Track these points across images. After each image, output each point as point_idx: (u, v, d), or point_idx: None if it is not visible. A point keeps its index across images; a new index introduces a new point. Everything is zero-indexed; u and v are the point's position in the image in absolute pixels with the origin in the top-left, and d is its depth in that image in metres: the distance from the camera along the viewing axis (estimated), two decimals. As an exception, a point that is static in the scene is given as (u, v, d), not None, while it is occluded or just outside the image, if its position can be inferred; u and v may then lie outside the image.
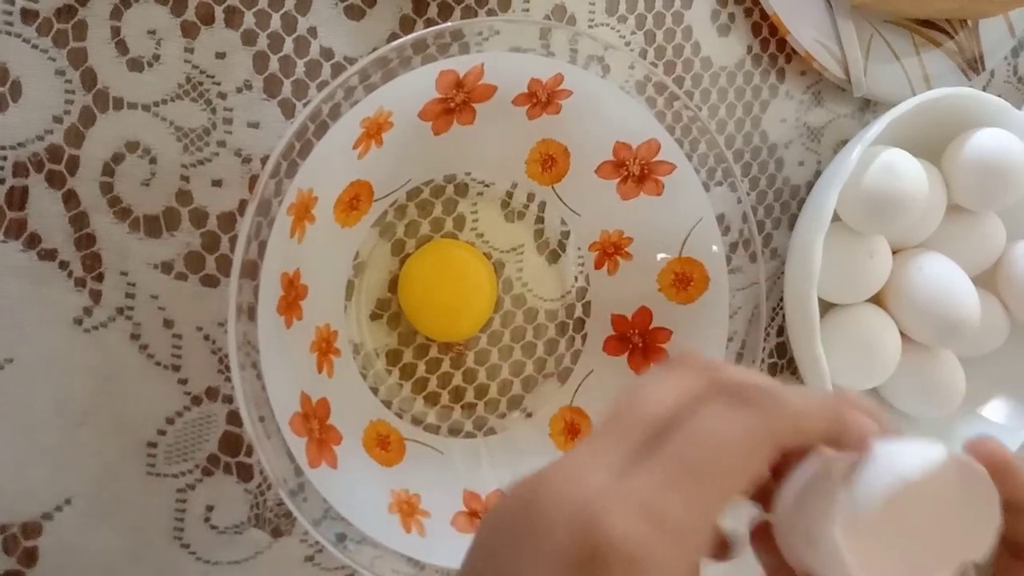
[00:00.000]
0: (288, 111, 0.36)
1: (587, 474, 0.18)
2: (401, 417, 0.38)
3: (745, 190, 0.40)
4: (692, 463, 0.17)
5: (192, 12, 0.34)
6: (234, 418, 0.36)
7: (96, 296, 0.34)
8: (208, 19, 0.35)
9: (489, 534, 0.20)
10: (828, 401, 0.20)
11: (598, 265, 0.41)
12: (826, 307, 0.42)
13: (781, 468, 0.21)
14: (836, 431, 0.19)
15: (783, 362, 0.46)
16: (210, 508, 0.36)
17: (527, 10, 0.39)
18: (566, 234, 0.41)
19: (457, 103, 0.35)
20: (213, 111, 0.35)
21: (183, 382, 0.35)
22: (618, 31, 0.41)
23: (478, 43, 0.33)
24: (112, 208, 0.34)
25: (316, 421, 0.34)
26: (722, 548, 0.22)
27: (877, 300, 0.43)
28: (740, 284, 0.38)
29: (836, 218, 0.41)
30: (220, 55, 0.35)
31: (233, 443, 0.36)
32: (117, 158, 0.34)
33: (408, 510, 0.35)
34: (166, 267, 0.35)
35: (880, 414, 0.20)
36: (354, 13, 0.36)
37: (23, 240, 0.33)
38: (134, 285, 0.34)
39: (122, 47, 0.34)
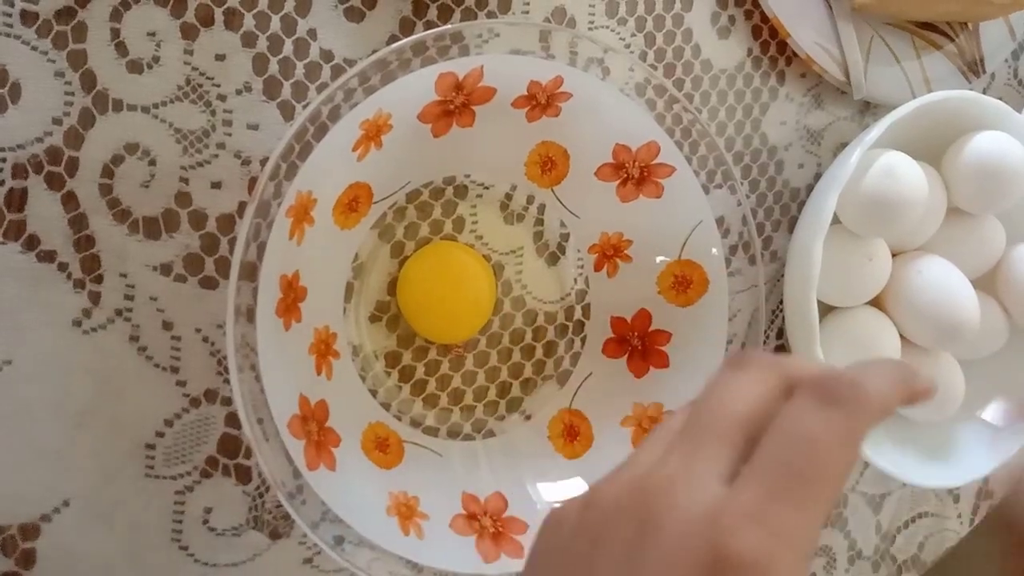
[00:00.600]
0: (287, 113, 0.36)
1: (701, 485, 0.17)
2: (400, 419, 0.38)
3: (745, 193, 0.40)
4: (798, 470, 0.17)
5: (192, 14, 0.34)
6: (233, 420, 0.36)
7: (95, 298, 0.34)
8: (208, 21, 0.35)
9: (566, 533, 0.19)
10: (897, 372, 0.20)
11: (597, 267, 0.41)
12: (825, 310, 0.42)
13: None
14: (908, 399, 0.20)
15: (783, 365, 0.46)
16: (208, 510, 0.36)
17: (527, 12, 0.39)
18: (565, 236, 0.41)
19: (457, 105, 0.35)
20: (212, 113, 0.35)
21: (182, 384, 0.35)
22: (618, 33, 0.41)
23: (478, 45, 0.33)
24: (111, 210, 0.34)
25: (315, 423, 0.34)
26: None
27: (876, 303, 0.43)
28: (739, 287, 0.38)
29: (836, 221, 0.41)
30: (220, 57, 0.35)
31: (232, 445, 0.36)
32: (116, 160, 0.34)
33: (407, 512, 0.35)
34: (165, 269, 0.35)
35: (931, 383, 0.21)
36: (354, 15, 0.36)
37: (22, 242, 0.33)
38: (133, 287, 0.35)
39: (122, 49, 0.34)
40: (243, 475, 0.36)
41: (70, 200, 0.34)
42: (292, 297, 0.33)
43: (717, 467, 0.18)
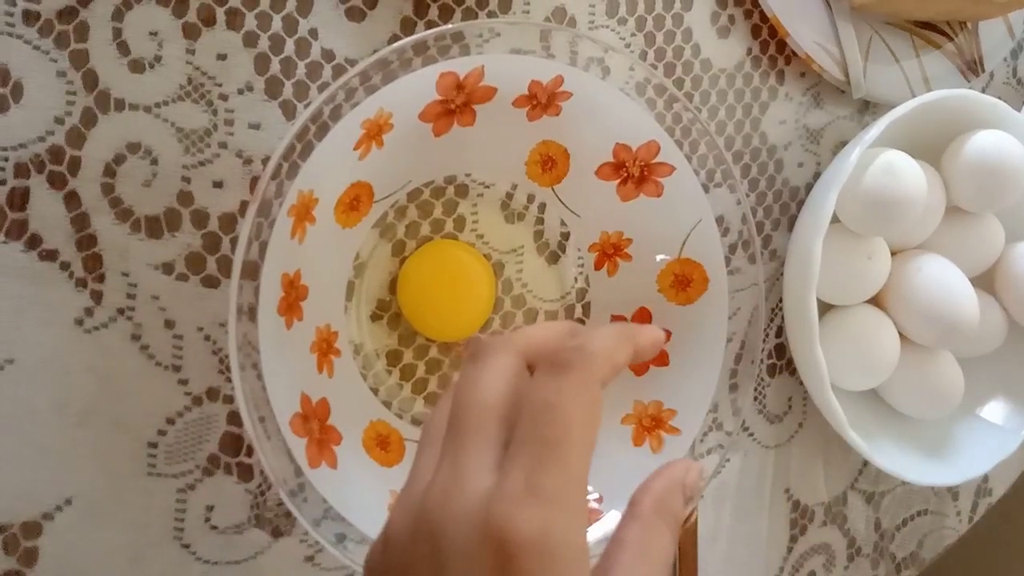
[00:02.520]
0: (289, 112, 0.36)
1: (470, 483, 0.18)
2: (401, 417, 0.38)
3: (744, 191, 0.40)
4: (547, 437, 0.18)
5: (193, 14, 0.34)
6: (234, 418, 0.36)
7: (97, 297, 0.34)
8: (209, 21, 0.35)
9: None
10: (619, 331, 0.22)
11: (598, 266, 0.41)
12: (825, 308, 0.43)
13: None
14: (636, 352, 0.22)
15: (782, 363, 0.46)
16: (210, 508, 0.36)
17: (527, 12, 0.39)
18: (566, 235, 0.41)
19: (457, 105, 0.35)
20: (214, 112, 0.35)
21: (184, 382, 0.35)
22: (618, 33, 0.41)
23: (478, 45, 0.33)
24: (113, 209, 0.34)
25: (316, 421, 0.34)
26: None
27: (876, 301, 0.43)
28: (739, 285, 0.38)
29: (835, 219, 0.41)
30: (221, 56, 0.35)
31: (233, 443, 0.36)
32: (118, 159, 0.34)
33: None
34: (167, 268, 0.35)
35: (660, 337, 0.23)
36: (355, 15, 0.37)
37: (24, 241, 0.33)
38: (135, 286, 0.35)
39: (123, 48, 0.34)
40: (245, 473, 0.36)
41: (72, 199, 0.34)
42: (294, 296, 0.33)
43: (483, 461, 0.19)
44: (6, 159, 0.33)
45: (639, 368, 0.40)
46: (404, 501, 0.20)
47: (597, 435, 0.19)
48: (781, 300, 0.45)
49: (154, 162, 0.34)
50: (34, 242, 0.33)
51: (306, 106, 0.35)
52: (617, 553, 0.20)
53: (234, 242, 0.35)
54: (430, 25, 0.38)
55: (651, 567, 0.20)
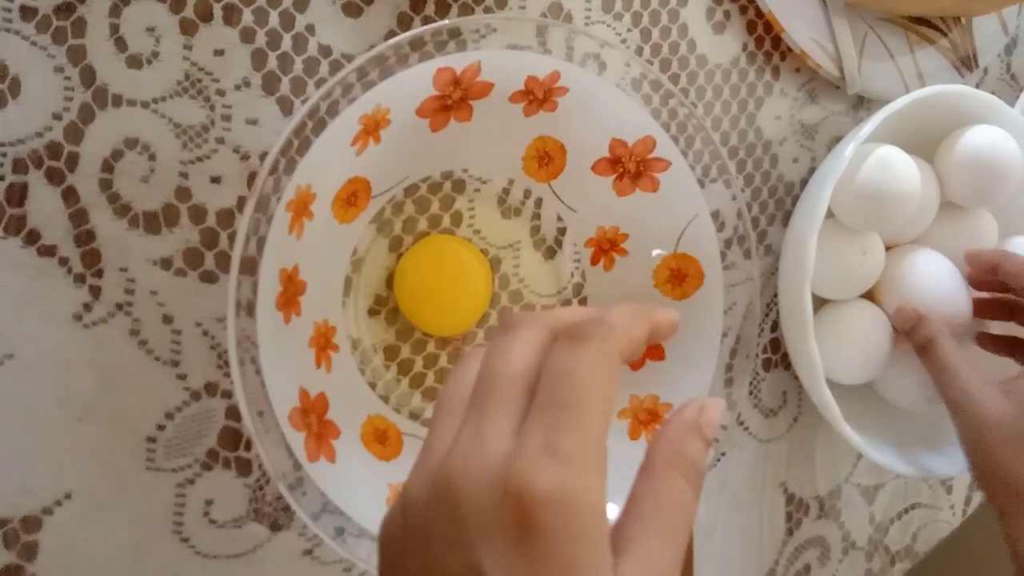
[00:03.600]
0: (286, 108, 0.36)
1: (491, 445, 0.19)
2: (399, 412, 0.39)
3: (740, 187, 0.40)
4: (567, 402, 0.19)
5: (191, 9, 0.34)
6: (233, 413, 0.36)
7: (95, 292, 0.34)
8: (207, 16, 0.35)
9: (399, 541, 0.20)
10: (636, 308, 0.23)
11: (594, 261, 0.41)
12: (819, 303, 0.43)
13: None
14: (652, 330, 0.22)
15: (777, 357, 0.46)
16: (209, 502, 0.36)
17: (524, 8, 0.39)
18: (562, 230, 0.41)
19: (454, 100, 0.35)
20: (212, 108, 0.35)
21: (182, 377, 0.36)
22: (614, 29, 0.41)
23: (475, 41, 0.33)
24: (111, 204, 0.34)
25: (314, 416, 0.34)
26: None
27: (871, 296, 0.43)
28: (735, 280, 0.39)
29: (830, 215, 0.41)
30: (219, 52, 0.35)
31: (232, 438, 0.36)
32: (116, 155, 0.34)
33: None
34: (165, 263, 0.35)
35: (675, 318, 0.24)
36: (352, 11, 0.37)
37: (23, 236, 0.33)
38: (133, 281, 0.35)
39: (121, 44, 0.34)
40: (244, 467, 0.37)
41: (70, 195, 0.34)
42: (292, 291, 0.34)
43: (504, 426, 0.19)
44: (4, 155, 0.33)
45: (635, 363, 0.40)
46: (422, 466, 0.20)
47: (613, 404, 0.20)
48: (776, 295, 0.45)
49: (152, 158, 0.35)
50: (32, 238, 0.33)
51: (303, 102, 0.35)
52: (630, 511, 0.20)
53: (232, 238, 0.36)
54: (427, 21, 0.38)
55: (668, 521, 0.19)
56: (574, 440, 0.18)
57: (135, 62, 0.34)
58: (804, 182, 0.46)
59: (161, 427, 0.35)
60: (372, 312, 0.39)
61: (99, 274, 0.34)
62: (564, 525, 0.17)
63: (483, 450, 0.19)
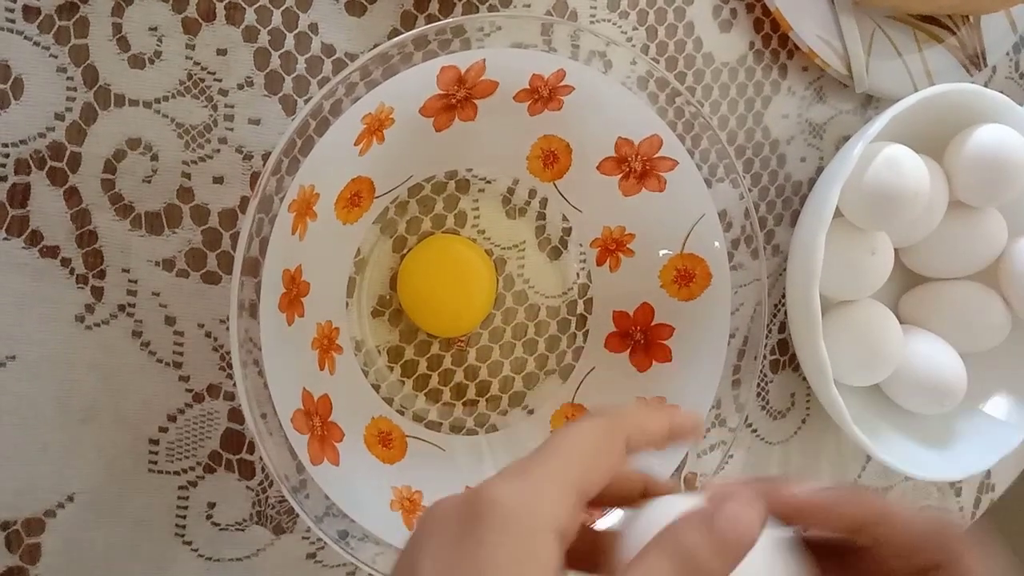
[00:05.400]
0: (289, 108, 0.36)
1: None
2: (403, 414, 0.38)
3: (747, 186, 0.40)
4: (546, 448, 0.22)
5: (193, 9, 0.34)
6: (236, 415, 0.36)
7: (98, 293, 0.34)
8: (209, 16, 0.35)
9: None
10: (661, 408, 0.26)
11: (600, 262, 0.41)
12: (828, 303, 0.42)
13: None
14: (671, 428, 0.24)
15: (785, 358, 0.46)
16: (212, 505, 0.36)
17: (528, 6, 0.39)
18: (568, 231, 0.41)
19: (458, 99, 0.35)
20: (214, 108, 0.35)
21: (185, 379, 0.35)
22: (620, 27, 0.41)
23: (479, 39, 0.33)
24: (114, 205, 0.34)
25: (318, 418, 0.34)
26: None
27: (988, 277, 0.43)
28: (742, 280, 0.38)
29: (838, 214, 0.41)
30: (221, 52, 0.35)
31: (235, 440, 0.36)
32: (119, 155, 0.34)
33: (410, 507, 0.35)
34: (168, 264, 0.35)
35: (699, 420, 0.25)
36: (355, 9, 0.36)
37: (25, 237, 0.33)
38: (136, 282, 0.35)
39: (123, 44, 0.34)
40: (246, 470, 0.36)
41: (72, 196, 0.34)
42: (295, 292, 0.33)
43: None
44: (7, 155, 0.33)
45: (642, 364, 0.40)
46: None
47: (594, 464, 0.21)
48: (784, 295, 0.45)
49: (154, 158, 0.34)
50: (35, 239, 0.33)
51: (306, 101, 0.35)
52: None
53: (235, 238, 0.35)
54: (431, 19, 0.37)
55: None
56: (539, 469, 0.21)
57: (137, 62, 0.34)
58: (812, 181, 0.46)
59: (164, 429, 0.35)
60: (376, 313, 0.38)
61: (101, 275, 0.34)
62: (500, 521, 0.19)
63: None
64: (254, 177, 0.36)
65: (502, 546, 0.19)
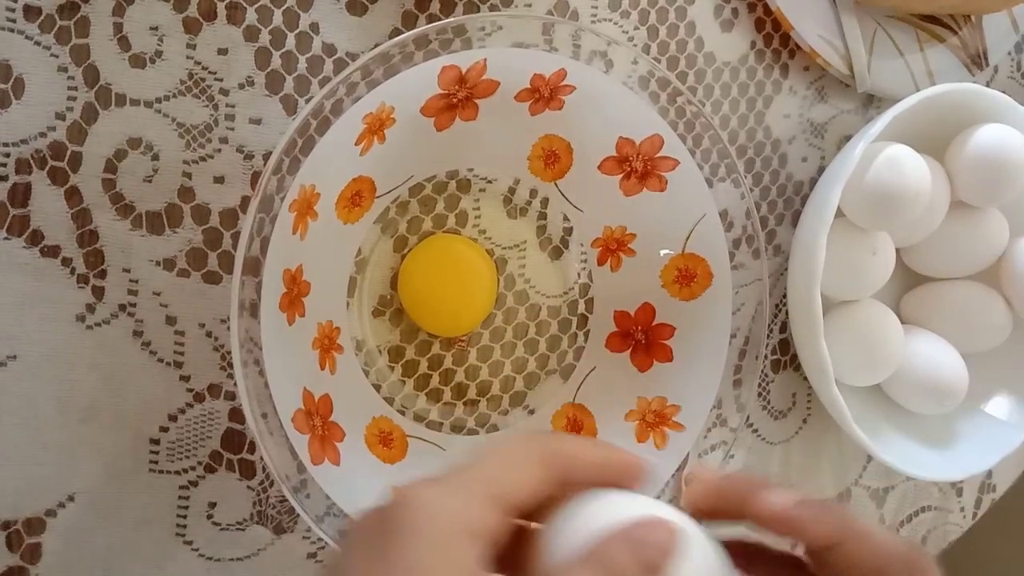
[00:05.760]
0: (290, 107, 0.36)
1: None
2: (403, 414, 0.38)
3: (748, 186, 0.40)
4: (473, 458, 0.22)
5: (194, 8, 0.34)
6: (236, 415, 0.36)
7: (98, 293, 0.34)
8: (210, 15, 0.35)
9: None
10: (602, 444, 0.24)
11: (601, 261, 0.41)
12: (829, 303, 0.42)
13: None
14: (610, 466, 0.23)
15: (786, 359, 0.46)
16: (213, 505, 0.36)
17: (530, 5, 0.39)
18: (569, 230, 0.41)
19: (459, 99, 0.35)
20: (215, 107, 0.35)
21: (185, 379, 0.35)
22: (621, 26, 0.41)
23: (480, 39, 0.33)
24: (114, 205, 0.34)
25: (319, 418, 0.34)
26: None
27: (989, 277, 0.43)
28: (743, 280, 0.38)
29: (840, 214, 0.41)
30: (222, 51, 0.35)
31: (235, 440, 0.36)
32: (119, 155, 0.34)
33: None
34: (168, 264, 0.35)
35: (646, 466, 0.24)
36: (356, 9, 0.36)
37: (26, 237, 0.33)
38: (136, 282, 0.35)
39: (124, 44, 0.34)
40: (247, 470, 0.36)
41: (73, 195, 0.34)
42: (295, 292, 0.33)
43: None
44: (7, 155, 0.33)
45: (643, 364, 0.40)
46: None
47: (519, 482, 0.22)
48: (785, 295, 0.45)
49: (155, 158, 0.34)
50: (36, 238, 0.33)
51: (307, 101, 0.35)
52: None
53: (235, 238, 0.35)
54: (432, 19, 0.37)
55: None
56: (454, 476, 0.21)
57: (138, 61, 0.34)
58: (813, 181, 0.46)
59: (164, 429, 0.35)
60: (376, 313, 0.38)
61: (102, 275, 0.34)
62: (413, 524, 0.20)
63: None
64: (255, 177, 0.36)
65: (416, 548, 0.19)
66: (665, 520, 0.21)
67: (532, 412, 0.41)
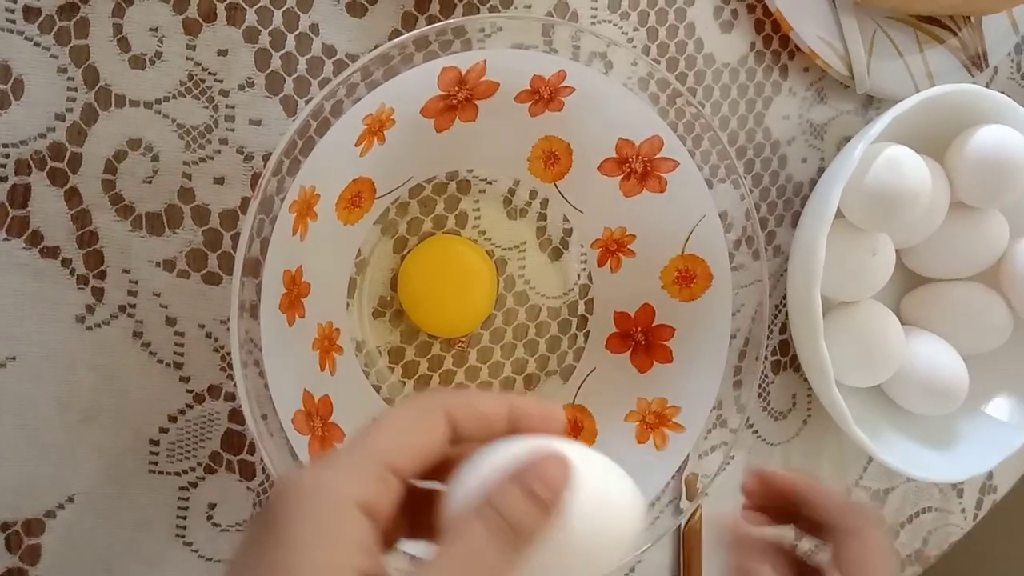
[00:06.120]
0: (290, 108, 0.36)
1: None
2: (404, 415, 0.38)
3: (748, 187, 0.40)
4: (363, 427, 0.22)
5: (194, 9, 0.34)
6: (236, 416, 0.36)
7: (98, 294, 0.34)
8: (210, 16, 0.35)
9: None
10: (506, 395, 0.24)
11: (601, 262, 0.41)
12: (829, 304, 0.42)
13: None
14: (514, 417, 0.23)
15: (786, 359, 0.46)
16: (212, 506, 0.36)
17: (529, 7, 0.39)
18: (568, 231, 0.41)
19: (459, 100, 0.35)
20: (215, 108, 0.35)
21: (185, 380, 0.35)
22: (621, 28, 0.41)
23: (480, 40, 0.33)
24: (114, 206, 0.34)
25: (319, 419, 0.34)
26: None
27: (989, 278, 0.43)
28: (743, 281, 0.38)
29: (839, 215, 0.41)
30: (222, 52, 0.35)
31: (235, 441, 0.36)
32: (119, 156, 0.34)
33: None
34: (168, 265, 0.35)
35: (554, 414, 0.24)
36: (356, 10, 0.36)
37: (25, 238, 0.33)
38: (136, 283, 0.34)
39: (124, 44, 0.34)
40: (247, 471, 0.36)
41: (73, 196, 0.34)
42: (295, 293, 0.33)
43: None
44: (7, 156, 0.33)
45: (643, 365, 0.40)
46: None
47: (412, 444, 0.21)
48: (785, 296, 0.45)
49: (155, 159, 0.34)
50: (35, 239, 0.33)
51: (307, 102, 0.35)
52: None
53: (235, 239, 0.35)
54: (431, 20, 0.37)
55: (456, 564, 0.20)
56: (340, 452, 0.21)
57: (138, 62, 0.34)
58: (813, 182, 0.46)
59: (164, 430, 0.35)
60: (376, 314, 0.38)
61: (102, 276, 0.34)
62: (297, 503, 0.19)
63: None
64: (255, 178, 0.36)
65: (300, 524, 0.19)
66: (554, 453, 0.21)
67: (532, 413, 0.41)
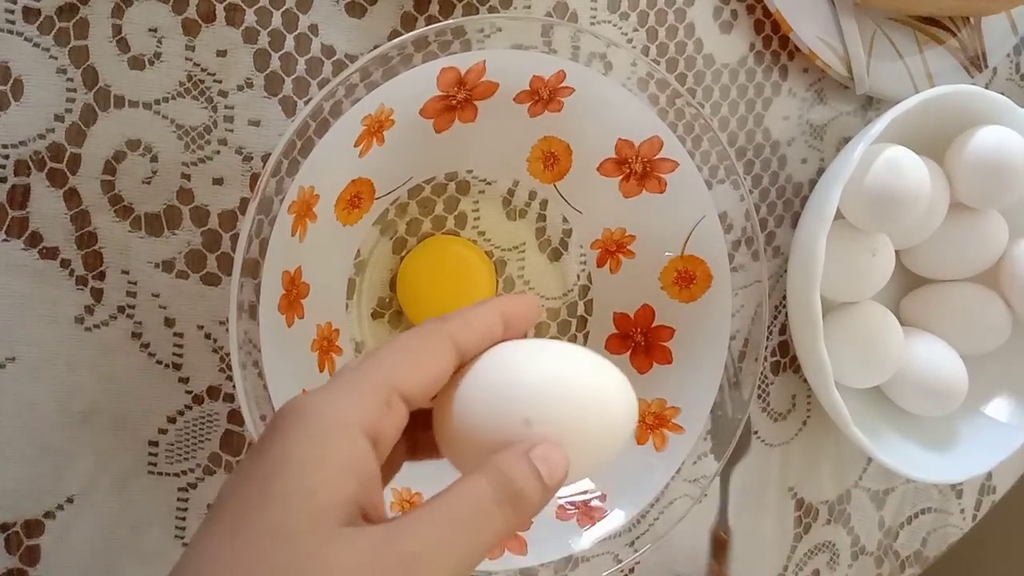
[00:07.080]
0: (289, 109, 0.36)
1: None
2: (403, 416, 0.38)
3: (748, 188, 0.40)
4: (369, 354, 0.22)
5: (193, 10, 0.34)
6: (235, 417, 0.36)
7: (97, 295, 0.34)
8: (209, 17, 0.35)
9: None
10: (486, 302, 0.24)
11: (600, 263, 0.41)
12: (829, 305, 0.42)
13: None
14: (504, 317, 0.24)
15: (786, 360, 0.46)
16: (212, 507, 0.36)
17: (529, 7, 0.39)
18: (568, 232, 0.41)
19: (459, 100, 0.35)
20: (214, 109, 0.35)
21: (184, 381, 0.35)
22: (620, 28, 0.41)
23: (480, 40, 0.33)
24: (113, 207, 0.34)
25: (318, 419, 0.34)
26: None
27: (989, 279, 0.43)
28: (743, 282, 0.38)
29: (839, 216, 0.41)
30: (221, 53, 0.35)
31: (235, 442, 0.36)
32: (118, 156, 0.34)
33: (411, 508, 0.35)
34: (167, 266, 0.35)
35: (533, 307, 0.25)
36: (355, 11, 0.36)
37: (25, 239, 0.33)
38: (135, 284, 0.34)
39: (123, 45, 0.34)
40: (246, 472, 0.36)
41: (72, 197, 0.34)
42: (294, 293, 0.33)
43: None
44: (6, 157, 0.33)
45: (643, 366, 0.40)
46: None
47: (419, 371, 0.22)
48: (785, 297, 0.45)
49: (154, 159, 0.34)
50: (35, 240, 0.33)
51: (306, 102, 0.35)
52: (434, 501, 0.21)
53: (234, 240, 0.35)
54: (431, 20, 0.37)
55: (455, 514, 0.20)
56: (346, 376, 0.21)
57: (137, 63, 0.34)
58: (812, 183, 0.46)
59: (163, 431, 0.35)
60: (376, 315, 0.38)
61: (101, 277, 0.34)
62: (298, 423, 0.19)
63: None
64: (254, 178, 0.36)
65: (299, 443, 0.19)
66: (557, 445, 0.22)
67: (531, 414, 0.41)
